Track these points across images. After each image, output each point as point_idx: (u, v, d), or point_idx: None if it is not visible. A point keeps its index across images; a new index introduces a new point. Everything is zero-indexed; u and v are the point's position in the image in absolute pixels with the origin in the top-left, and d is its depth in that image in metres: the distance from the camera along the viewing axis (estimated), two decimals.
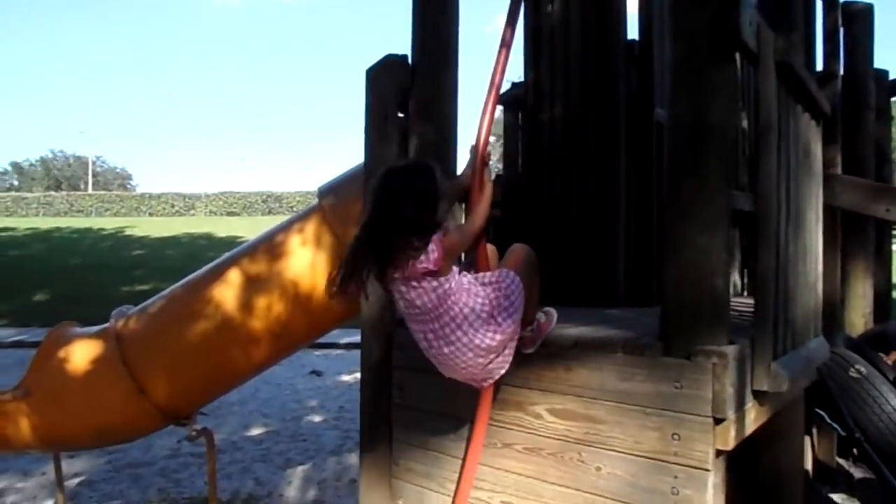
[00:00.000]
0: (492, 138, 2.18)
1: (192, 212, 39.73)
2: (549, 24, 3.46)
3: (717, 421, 1.72)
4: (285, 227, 2.96)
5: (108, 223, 28.87)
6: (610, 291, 3.23)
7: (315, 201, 2.99)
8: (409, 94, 2.46)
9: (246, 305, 2.80)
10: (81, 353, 2.92)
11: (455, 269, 1.84)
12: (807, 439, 3.57)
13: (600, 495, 1.89)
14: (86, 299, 11.04)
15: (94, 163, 67.46)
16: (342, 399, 6.58)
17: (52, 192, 47.75)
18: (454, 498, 2.11)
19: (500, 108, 3.22)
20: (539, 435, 2.01)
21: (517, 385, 2.05)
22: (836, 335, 3.45)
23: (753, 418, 1.93)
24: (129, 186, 68.30)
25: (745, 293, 4.09)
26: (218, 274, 2.93)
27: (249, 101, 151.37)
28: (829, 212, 3.35)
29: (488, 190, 1.99)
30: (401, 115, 2.50)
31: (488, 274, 1.92)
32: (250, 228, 18.86)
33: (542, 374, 2.01)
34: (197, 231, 24.65)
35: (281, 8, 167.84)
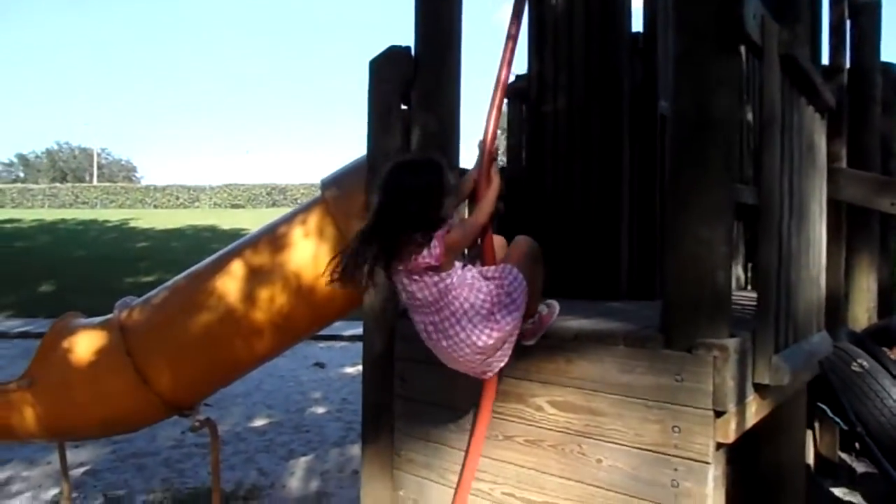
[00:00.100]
0: (498, 132, 2.17)
1: (196, 204, 39.73)
2: (553, 16, 3.44)
3: (718, 414, 1.72)
4: (288, 219, 2.96)
5: (112, 215, 28.94)
6: (612, 284, 3.23)
7: (319, 193, 2.99)
8: (412, 85, 2.46)
9: (249, 297, 2.81)
10: (85, 344, 2.93)
11: (458, 263, 1.85)
12: (809, 433, 3.57)
13: (601, 487, 1.89)
14: (91, 291, 11.08)
15: (99, 155, 67.65)
16: (345, 391, 6.60)
17: (58, 184, 47.87)
18: (457, 489, 2.12)
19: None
20: (540, 427, 2.02)
21: (518, 377, 2.06)
22: (839, 329, 3.45)
23: (754, 411, 1.93)
24: (133, 178, 68.43)
25: (749, 287, 4.08)
26: (221, 265, 2.93)
27: (255, 93, 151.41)
28: (834, 206, 3.34)
29: (495, 184, 1.98)
30: (404, 106, 2.50)
31: (492, 268, 1.92)
32: (255, 221, 18.86)
33: (543, 366, 2.02)
34: (201, 223, 24.68)
35: None
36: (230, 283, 2.84)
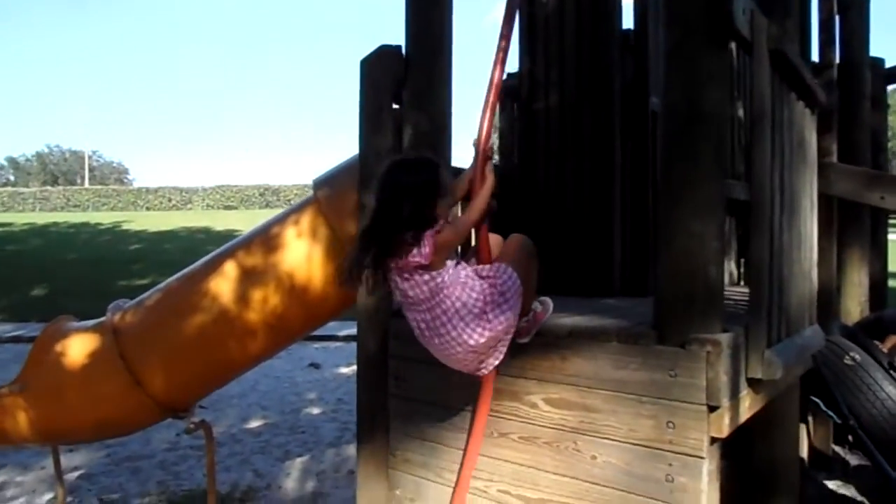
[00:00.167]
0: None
1: (189, 206, 39.59)
2: (544, 14, 3.44)
3: (712, 409, 1.73)
4: (281, 220, 2.96)
5: (105, 218, 28.79)
6: (606, 281, 3.23)
7: (311, 194, 2.98)
8: (403, 84, 2.46)
9: (242, 298, 2.80)
10: (78, 347, 2.92)
11: (450, 262, 1.85)
12: (802, 427, 3.59)
13: (596, 483, 1.90)
14: (83, 294, 11.02)
15: (90, 157, 67.39)
16: (340, 391, 6.59)
17: (49, 187, 47.58)
18: (455, 487, 2.11)
19: None
20: (535, 424, 2.02)
21: (513, 375, 2.06)
22: (831, 323, 3.47)
23: (748, 406, 1.94)
24: (125, 181, 68.20)
25: (742, 283, 4.09)
26: (214, 267, 2.93)
27: (247, 95, 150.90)
28: (826, 200, 3.36)
29: (488, 183, 1.98)
30: (395, 105, 2.50)
31: (487, 267, 1.92)
32: (248, 222, 18.81)
33: (537, 363, 2.02)
34: (194, 225, 24.59)
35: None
36: (223, 284, 2.83)
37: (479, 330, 1.82)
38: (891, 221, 5.17)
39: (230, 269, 2.86)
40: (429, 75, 2.44)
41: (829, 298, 3.50)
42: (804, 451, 3.72)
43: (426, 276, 1.79)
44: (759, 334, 1.90)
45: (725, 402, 1.73)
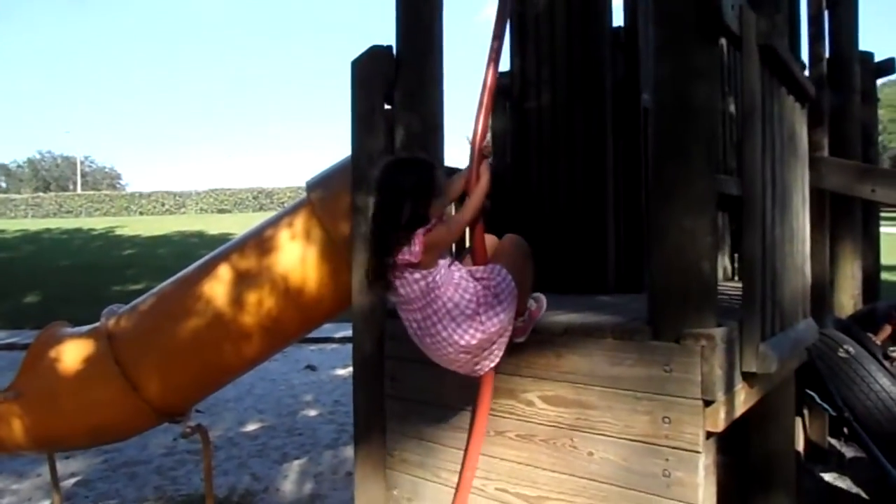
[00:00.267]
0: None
1: (182, 210, 39.47)
2: (535, 13, 3.45)
3: (707, 403, 1.73)
4: (274, 222, 2.95)
5: (98, 223, 28.66)
6: (600, 278, 3.24)
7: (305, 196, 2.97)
8: (394, 85, 2.46)
9: (237, 301, 2.80)
10: (73, 353, 2.91)
11: (443, 262, 1.85)
12: (798, 420, 3.60)
13: (593, 480, 1.90)
14: (77, 300, 10.98)
15: (82, 163, 67.02)
16: (337, 393, 6.59)
17: (41, 194, 47.36)
18: (457, 488, 2.11)
19: None
20: (531, 422, 2.03)
21: (508, 373, 2.06)
22: (824, 316, 3.48)
23: (743, 400, 1.95)
24: (118, 186, 67.84)
25: (736, 278, 4.11)
26: (208, 270, 2.92)
27: (239, 97, 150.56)
28: (817, 194, 3.38)
29: (483, 182, 1.98)
30: (387, 106, 2.50)
31: (481, 268, 1.93)
32: (241, 225, 18.73)
33: (532, 361, 2.03)
34: (188, 229, 24.51)
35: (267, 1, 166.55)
36: (218, 288, 2.82)
37: (470, 331, 1.82)
38: (882, 214, 5.20)
39: (224, 272, 2.85)
40: (420, 75, 2.45)
41: (822, 292, 3.51)
42: (800, 444, 3.74)
43: (417, 275, 1.80)
44: (753, 328, 1.91)
45: (720, 396, 1.74)
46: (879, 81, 5.05)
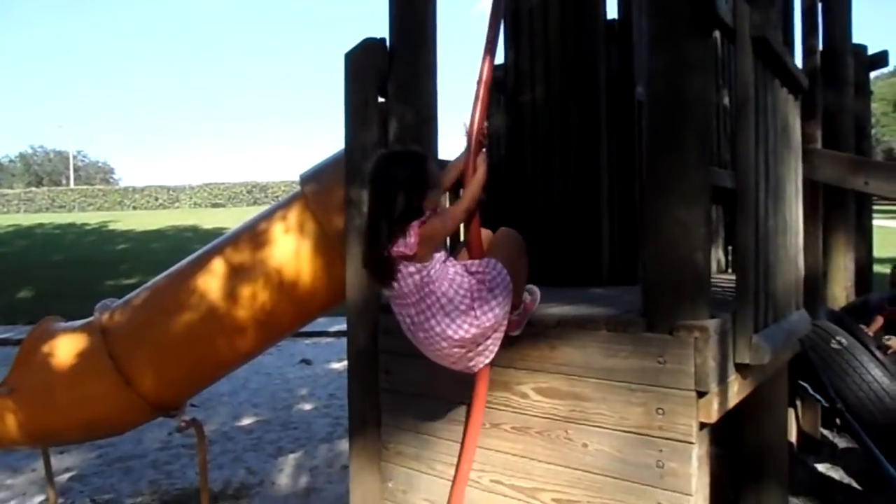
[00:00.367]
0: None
1: (176, 204, 39.28)
2: (528, 5, 3.44)
3: (700, 394, 1.74)
4: (268, 216, 2.95)
5: (91, 218, 28.53)
6: (594, 271, 3.24)
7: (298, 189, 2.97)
8: (388, 77, 2.45)
9: (230, 295, 2.79)
10: (66, 348, 2.90)
11: (438, 255, 1.84)
12: (791, 411, 3.63)
13: (588, 471, 1.91)
14: (71, 295, 10.93)
15: (75, 157, 66.57)
16: (332, 386, 6.59)
17: (33, 189, 47.03)
18: (454, 481, 2.11)
19: None
20: (526, 414, 2.03)
21: (503, 365, 2.06)
22: (817, 308, 3.50)
23: (736, 391, 1.96)
24: (111, 180, 67.41)
25: (730, 270, 4.12)
26: (202, 264, 2.91)
27: (232, 91, 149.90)
28: (811, 186, 3.38)
29: (479, 174, 1.97)
30: (381, 99, 2.49)
31: (476, 263, 1.92)
32: (236, 219, 18.57)
33: (527, 353, 2.03)
34: (182, 223, 24.42)
35: None
36: (211, 282, 2.82)
37: (465, 326, 1.81)
38: (875, 207, 5.23)
39: (218, 266, 2.85)
40: (413, 68, 2.44)
41: (815, 283, 3.52)
42: (792, 435, 3.76)
43: (412, 268, 1.80)
44: (746, 320, 1.92)
45: (714, 387, 1.75)
46: (873, 74, 5.07)
